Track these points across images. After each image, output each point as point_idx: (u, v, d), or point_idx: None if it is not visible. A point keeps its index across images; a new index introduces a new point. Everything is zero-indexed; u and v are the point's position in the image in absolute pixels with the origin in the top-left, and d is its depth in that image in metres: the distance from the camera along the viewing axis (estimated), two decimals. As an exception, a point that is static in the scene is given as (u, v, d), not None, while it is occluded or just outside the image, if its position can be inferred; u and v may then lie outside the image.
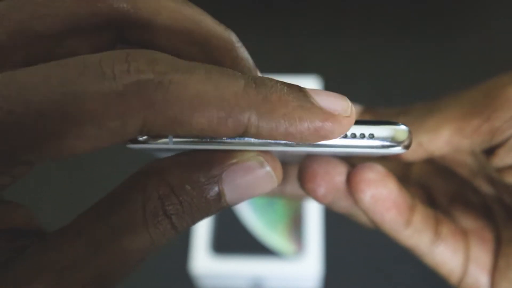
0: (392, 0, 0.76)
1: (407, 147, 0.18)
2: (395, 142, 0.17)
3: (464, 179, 0.25)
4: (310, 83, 0.61)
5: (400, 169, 0.27)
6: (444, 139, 0.21)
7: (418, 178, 0.27)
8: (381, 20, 0.75)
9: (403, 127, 0.17)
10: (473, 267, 0.23)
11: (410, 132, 0.17)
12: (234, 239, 0.54)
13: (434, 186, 0.26)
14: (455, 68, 0.69)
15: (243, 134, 0.16)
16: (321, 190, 0.22)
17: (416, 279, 0.54)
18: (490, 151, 0.21)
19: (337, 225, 0.51)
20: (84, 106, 0.14)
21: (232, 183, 0.17)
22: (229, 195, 0.17)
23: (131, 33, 0.18)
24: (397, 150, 0.17)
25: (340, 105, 0.16)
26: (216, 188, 0.17)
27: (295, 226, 0.54)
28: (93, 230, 0.16)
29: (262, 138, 0.16)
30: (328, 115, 0.16)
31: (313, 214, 0.54)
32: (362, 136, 0.17)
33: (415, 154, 0.22)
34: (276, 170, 0.18)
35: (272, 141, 0.17)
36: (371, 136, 0.17)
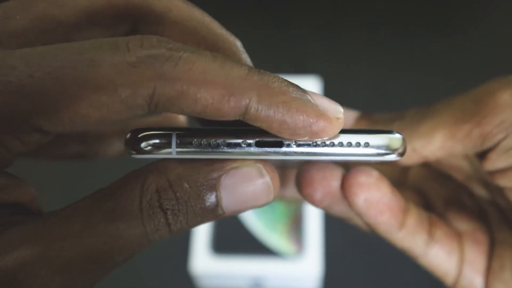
0: (393, 1, 0.76)
1: (401, 154, 0.18)
2: (390, 150, 0.18)
3: (459, 183, 0.26)
4: (310, 83, 0.62)
5: (397, 173, 0.27)
6: (437, 144, 0.22)
7: (414, 182, 0.27)
8: (381, 21, 0.75)
9: (397, 135, 0.18)
10: (467, 269, 0.23)
11: (404, 140, 0.18)
12: (234, 239, 0.54)
13: (430, 190, 0.26)
14: (456, 69, 0.69)
15: (243, 116, 0.16)
16: (318, 195, 0.22)
17: (416, 279, 0.54)
18: (482, 155, 0.22)
19: (337, 225, 0.51)
20: (98, 72, 0.15)
21: (230, 189, 0.17)
22: (225, 202, 0.17)
23: (144, 28, 0.19)
24: (392, 157, 0.18)
25: (333, 107, 0.17)
26: (214, 193, 0.17)
27: (295, 226, 0.55)
28: (90, 211, 0.16)
29: (259, 123, 0.16)
30: (322, 113, 0.16)
31: (313, 214, 0.55)
32: (358, 144, 0.18)
33: (409, 159, 0.23)
34: (274, 181, 0.18)
35: (272, 150, 0.17)
36: (366, 145, 0.18)
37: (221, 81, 0.16)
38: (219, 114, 0.16)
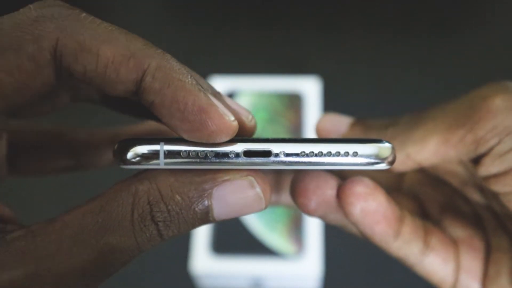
0: (393, 1, 0.76)
1: (391, 163, 0.18)
2: (379, 159, 0.18)
3: (455, 188, 0.26)
4: (310, 83, 0.61)
5: (392, 179, 0.27)
6: (431, 150, 0.22)
7: (410, 188, 0.27)
8: (381, 21, 0.75)
9: (386, 144, 0.18)
10: (464, 276, 0.23)
11: (393, 148, 0.18)
12: (234, 239, 0.54)
13: (426, 196, 0.26)
14: (456, 69, 0.68)
15: (138, 86, 0.16)
16: (312, 205, 0.22)
17: (416, 280, 0.54)
18: (476, 161, 0.22)
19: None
20: (2, 32, 0.15)
21: (221, 200, 0.17)
22: (216, 211, 0.17)
23: None
24: (381, 166, 0.18)
25: (238, 109, 0.18)
26: (206, 203, 0.17)
27: (295, 226, 0.55)
28: (81, 224, 0.16)
29: (152, 95, 0.16)
30: (214, 104, 0.16)
31: (313, 214, 0.54)
32: (346, 154, 0.18)
33: (403, 165, 0.22)
34: (266, 192, 0.18)
35: (260, 160, 0.18)
36: (355, 154, 0.18)
37: (124, 43, 0.16)
38: (117, 78, 0.16)
